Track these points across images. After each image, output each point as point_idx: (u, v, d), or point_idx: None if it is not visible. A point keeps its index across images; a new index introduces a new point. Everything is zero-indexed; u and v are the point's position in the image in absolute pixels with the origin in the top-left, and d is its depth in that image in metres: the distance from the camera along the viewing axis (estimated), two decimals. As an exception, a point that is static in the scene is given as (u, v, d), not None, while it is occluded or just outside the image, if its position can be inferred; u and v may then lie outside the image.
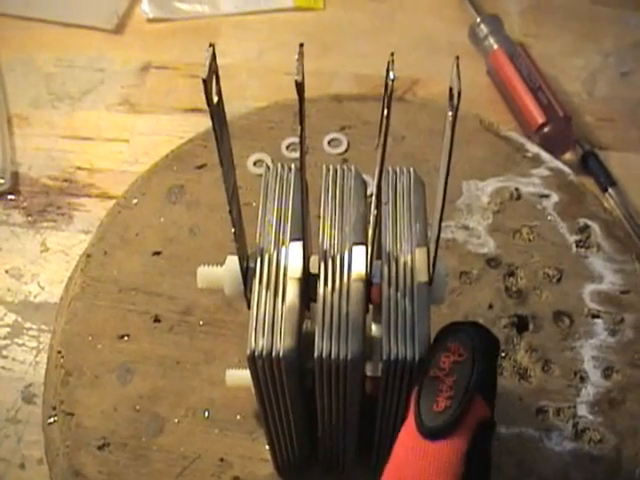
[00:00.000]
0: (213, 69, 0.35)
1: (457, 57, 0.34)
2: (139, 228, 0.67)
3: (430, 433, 0.38)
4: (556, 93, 0.78)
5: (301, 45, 0.35)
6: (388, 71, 0.34)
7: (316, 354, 0.41)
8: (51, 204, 0.75)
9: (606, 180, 0.75)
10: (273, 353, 0.41)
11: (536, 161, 0.71)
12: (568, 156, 0.77)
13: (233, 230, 0.42)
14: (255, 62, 0.85)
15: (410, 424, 0.39)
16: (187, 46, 0.86)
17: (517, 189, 0.69)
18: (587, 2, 0.90)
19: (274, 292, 0.43)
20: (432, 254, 0.42)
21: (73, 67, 0.85)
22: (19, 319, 0.69)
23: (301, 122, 0.35)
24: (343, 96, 0.76)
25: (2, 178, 0.76)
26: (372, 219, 0.41)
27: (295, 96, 0.36)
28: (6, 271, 0.71)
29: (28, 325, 0.68)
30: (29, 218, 0.74)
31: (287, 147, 0.72)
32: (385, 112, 0.35)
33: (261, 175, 0.68)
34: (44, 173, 0.77)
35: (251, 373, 0.43)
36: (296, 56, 0.35)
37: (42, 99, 0.83)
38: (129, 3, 0.90)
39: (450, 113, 0.35)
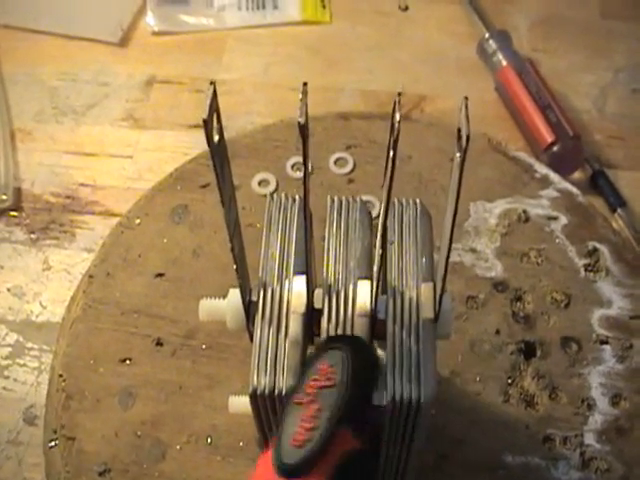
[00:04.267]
0: (214, 108, 0.34)
1: (466, 98, 0.33)
2: (142, 249, 0.67)
3: (285, 471, 0.34)
4: (565, 111, 0.77)
5: (305, 84, 0.34)
6: (394, 111, 0.34)
7: (319, 394, 0.40)
8: (54, 221, 0.74)
9: (615, 200, 0.74)
10: (275, 391, 0.41)
11: (545, 182, 0.70)
12: (577, 175, 0.76)
13: (235, 267, 0.41)
14: (261, 77, 0.84)
15: (268, 458, 0.36)
16: (192, 60, 0.86)
17: (525, 211, 0.68)
18: (597, 16, 0.89)
19: (277, 327, 0.43)
20: (438, 290, 0.42)
21: (77, 81, 0.85)
22: (21, 339, 0.68)
23: (304, 162, 0.34)
24: (349, 114, 0.75)
25: (5, 194, 0.75)
26: (377, 258, 0.40)
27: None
28: (8, 289, 0.71)
29: (30, 345, 0.67)
30: (32, 235, 0.73)
31: (292, 166, 0.71)
32: (391, 153, 0.34)
33: (265, 195, 0.68)
34: (47, 189, 0.76)
35: (252, 409, 0.43)
36: (300, 95, 0.34)
37: (46, 113, 0.82)
38: (134, 16, 0.89)
39: (458, 155, 0.34)
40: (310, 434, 0.35)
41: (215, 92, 0.34)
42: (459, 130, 0.34)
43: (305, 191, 0.36)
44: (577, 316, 0.63)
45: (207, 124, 0.33)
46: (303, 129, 0.33)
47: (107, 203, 0.75)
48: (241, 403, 0.52)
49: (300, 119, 0.33)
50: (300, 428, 0.35)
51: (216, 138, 0.35)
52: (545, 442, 0.58)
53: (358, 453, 0.36)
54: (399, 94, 0.34)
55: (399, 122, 0.33)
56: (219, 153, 0.36)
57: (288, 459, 0.35)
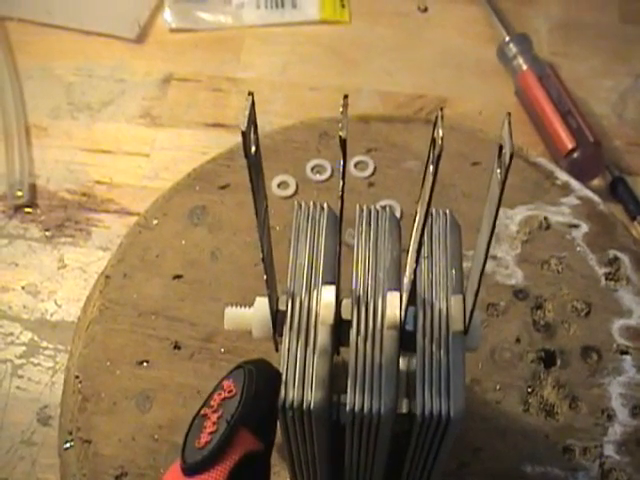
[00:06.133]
0: (252, 119, 0.33)
1: (509, 114, 0.32)
2: (159, 250, 0.66)
3: (189, 469, 0.39)
4: (585, 116, 0.76)
5: (345, 97, 0.34)
6: (435, 125, 0.33)
7: (348, 408, 0.40)
8: (69, 219, 0.74)
9: (635, 208, 0.73)
10: (304, 405, 0.40)
11: (566, 189, 0.69)
12: (596, 182, 0.75)
13: (265, 277, 0.40)
14: (279, 76, 0.84)
15: (176, 463, 0.40)
16: (210, 58, 0.85)
17: (546, 218, 0.67)
18: (617, 21, 0.88)
19: (305, 339, 0.42)
20: (469, 304, 0.41)
21: (93, 77, 0.84)
22: (35, 338, 0.68)
23: (343, 177, 0.34)
24: (369, 117, 0.74)
25: (20, 190, 0.75)
26: (410, 271, 0.39)
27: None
28: (22, 287, 0.70)
29: (44, 344, 0.67)
30: (47, 233, 0.73)
31: (312, 169, 0.70)
32: (432, 168, 0.33)
33: (285, 198, 0.68)
34: (62, 186, 0.76)
35: (280, 422, 0.42)
36: (340, 109, 0.34)
37: (61, 109, 0.82)
38: (151, 12, 0.88)
39: (499, 171, 0.33)
40: (211, 436, 0.39)
41: (253, 103, 0.33)
42: (501, 147, 0.33)
43: (341, 204, 0.36)
44: (597, 325, 0.63)
45: (245, 136, 0.33)
46: (344, 143, 0.32)
47: (123, 202, 0.75)
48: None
49: (341, 133, 0.32)
50: (204, 433, 0.39)
51: (252, 149, 0.35)
52: (565, 452, 0.58)
53: (261, 454, 0.41)
54: (441, 109, 0.33)
55: (442, 138, 0.32)
56: (255, 164, 0.35)
57: (191, 459, 0.39)
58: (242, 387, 0.40)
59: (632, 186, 0.75)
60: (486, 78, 0.83)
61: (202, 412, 0.41)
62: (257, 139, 0.35)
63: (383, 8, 0.90)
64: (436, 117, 0.33)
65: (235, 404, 0.40)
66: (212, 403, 0.41)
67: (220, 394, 0.41)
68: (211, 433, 0.39)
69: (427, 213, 0.35)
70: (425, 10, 0.89)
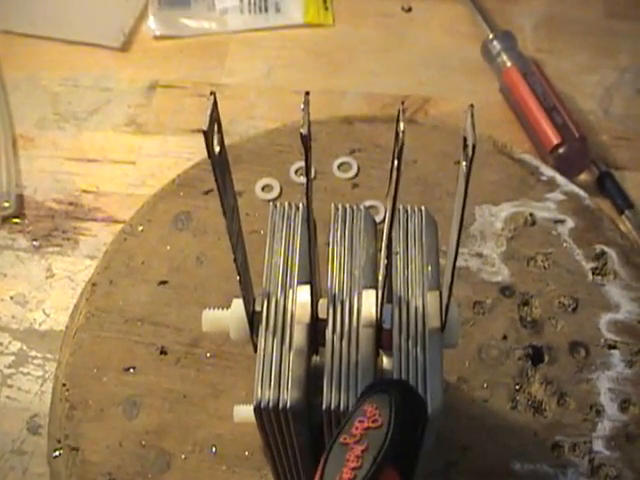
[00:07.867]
0: (214, 118, 0.33)
1: (471, 105, 0.32)
2: (145, 256, 0.66)
3: None
4: (571, 112, 0.76)
5: (307, 93, 0.34)
6: (398, 120, 0.33)
7: (324, 406, 0.40)
8: (56, 228, 0.74)
9: (623, 202, 0.73)
10: (280, 405, 0.40)
11: (551, 185, 0.69)
12: (584, 177, 0.75)
13: (238, 278, 0.40)
14: (264, 80, 0.84)
15: None
16: (195, 64, 0.85)
17: (532, 214, 0.67)
18: (602, 16, 0.88)
19: (281, 338, 0.42)
20: (445, 299, 0.41)
21: (79, 86, 0.84)
22: (24, 347, 0.68)
23: (307, 172, 0.34)
24: (353, 117, 0.74)
25: (7, 202, 0.75)
26: (382, 267, 0.39)
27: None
28: (11, 297, 0.70)
29: (33, 354, 0.67)
30: (34, 243, 0.73)
31: (296, 171, 0.70)
32: (396, 163, 0.33)
33: (269, 201, 0.68)
34: (49, 196, 0.76)
35: (257, 422, 0.42)
36: (302, 105, 0.33)
37: (47, 119, 0.82)
38: (135, 20, 0.88)
39: (464, 163, 0.33)
40: (355, 473, 0.35)
41: (215, 102, 0.33)
42: (465, 139, 0.33)
43: (308, 201, 0.36)
44: (585, 321, 0.63)
45: (207, 135, 0.33)
46: (305, 140, 0.32)
47: (110, 210, 0.75)
48: (246, 412, 0.52)
49: (302, 130, 0.32)
50: (346, 468, 0.35)
51: (217, 149, 0.35)
52: (554, 449, 0.57)
53: None
54: (402, 102, 0.33)
55: (403, 132, 0.32)
56: (220, 164, 0.35)
57: None
58: (389, 416, 0.36)
59: (619, 180, 0.75)
60: (471, 76, 0.83)
61: (342, 439, 0.36)
62: (221, 138, 0.35)
63: (367, 9, 0.90)
64: (398, 111, 0.33)
65: (381, 437, 0.35)
66: (354, 431, 0.36)
67: (363, 422, 0.36)
68: (355, 469, 0.35)
69: (394, 208, 0.35)
70: (409, 10, 0.89)
